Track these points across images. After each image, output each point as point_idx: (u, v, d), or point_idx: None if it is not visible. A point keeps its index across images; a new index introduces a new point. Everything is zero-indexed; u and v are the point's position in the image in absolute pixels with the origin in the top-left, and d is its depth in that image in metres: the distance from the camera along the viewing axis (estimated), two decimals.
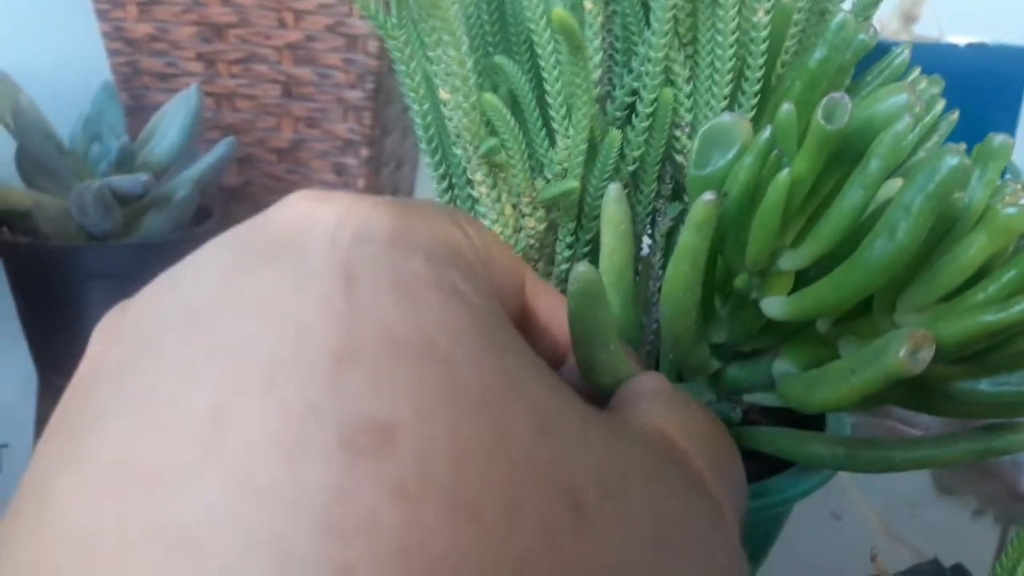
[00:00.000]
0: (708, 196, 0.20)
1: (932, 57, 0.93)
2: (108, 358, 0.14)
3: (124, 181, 0.52)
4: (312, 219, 0.15)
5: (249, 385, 0.12)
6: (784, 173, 0.20)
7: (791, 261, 0.22)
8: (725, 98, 0.26)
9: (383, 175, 0.78)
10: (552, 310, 0.21)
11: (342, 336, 0.12)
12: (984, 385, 0.21)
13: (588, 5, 0.24)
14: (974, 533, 0.52)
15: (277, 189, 0.76)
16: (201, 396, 0.12)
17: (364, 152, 0.74)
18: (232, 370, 0.12)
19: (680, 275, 0.22)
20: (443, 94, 0.24)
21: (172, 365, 0.13)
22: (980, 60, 0.94)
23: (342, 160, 0.74)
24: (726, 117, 0.22)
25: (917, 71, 0.27)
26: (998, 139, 0.21)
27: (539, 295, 0.21)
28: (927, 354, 0.18)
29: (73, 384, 0.15)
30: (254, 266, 0.14)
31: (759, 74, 0.27)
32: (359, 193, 0.17)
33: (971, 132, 0.88)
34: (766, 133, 0.20)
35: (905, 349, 0.18)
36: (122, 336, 0.14)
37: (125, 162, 0.54)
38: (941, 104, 0.27)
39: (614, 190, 0.24)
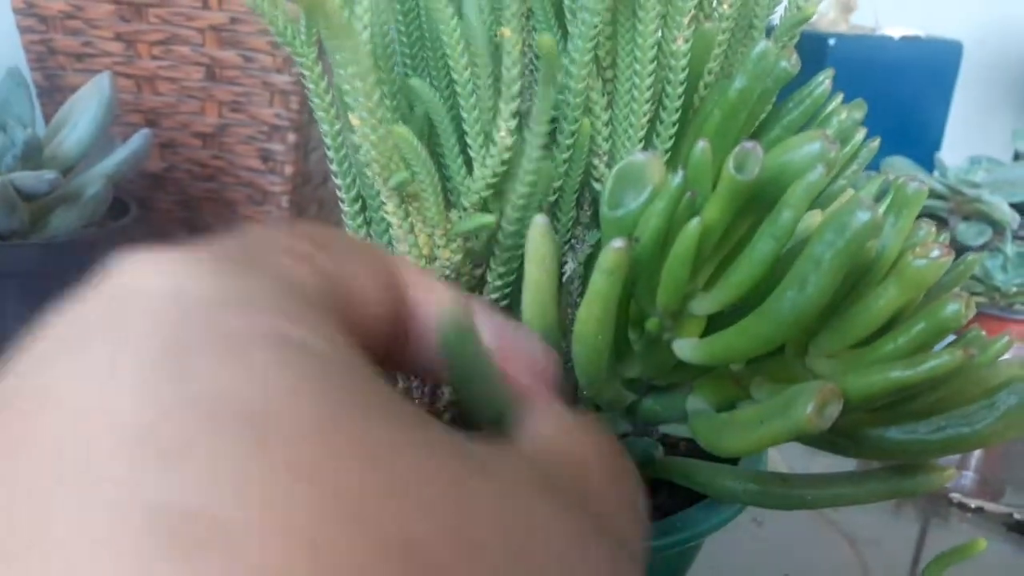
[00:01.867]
0: (618, 244, 0.19)
1: (867, 49, 0.93)
2: None
3: (28, 179, 0.49)
4: (132, 288, 0.14)
5: (72, 480, 0.11)
6: (694, 223, 0.19)
7: (702, 306, 0.21)
8: (643, 127, 0.25)
9: (311, 161, 0.76)
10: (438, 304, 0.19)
11: (158, 422, 0.12)
12: (893, 433, 0.21)
13: (506, 33, 0.23)
14: (893, 530, 0.52)
15: (201, 175, 0.74)
16: (26, 485, 0.11)
17: (291, 138, 0.72)
18: (54, 464, 0.11)
19: (591, 318, 0.21)
20: (353, 120, 0.23)
21: None
22: (914, 52, 0.95)
23: (268, 146, 0.72)
24: (639, 156, 0.21)
25: (839, 99, 0.26)
26: (912, 186, 0.20)
27: (423, 291, 0.19)
28: (835, 409, 0.18)
29: None
30: (77, 347, 0.13)
31: (678, 103, 0.26)
32: (192, 249, 0.15)
33: (904, 123, 0.89)
34: (677, 178, 0.19)
35: (813, 405, 0.18)
36: None
37: (32, 155, 0.52)
38: (862, 132, 0.27)
39: (541, 223, 0.23)
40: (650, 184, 0.20)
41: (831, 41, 0.89)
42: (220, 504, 0.11)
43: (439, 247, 0.26)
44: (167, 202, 0.75)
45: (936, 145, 0.96)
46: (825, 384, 0.18)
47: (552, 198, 0.26)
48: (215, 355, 0.13)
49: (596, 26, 0.24)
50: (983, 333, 0.23)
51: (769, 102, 0.26)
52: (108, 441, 0.12)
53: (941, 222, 0.79)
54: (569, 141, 0.25)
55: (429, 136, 0.26)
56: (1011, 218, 0.75)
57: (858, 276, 0.20)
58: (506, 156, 0.24)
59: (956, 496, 0.56)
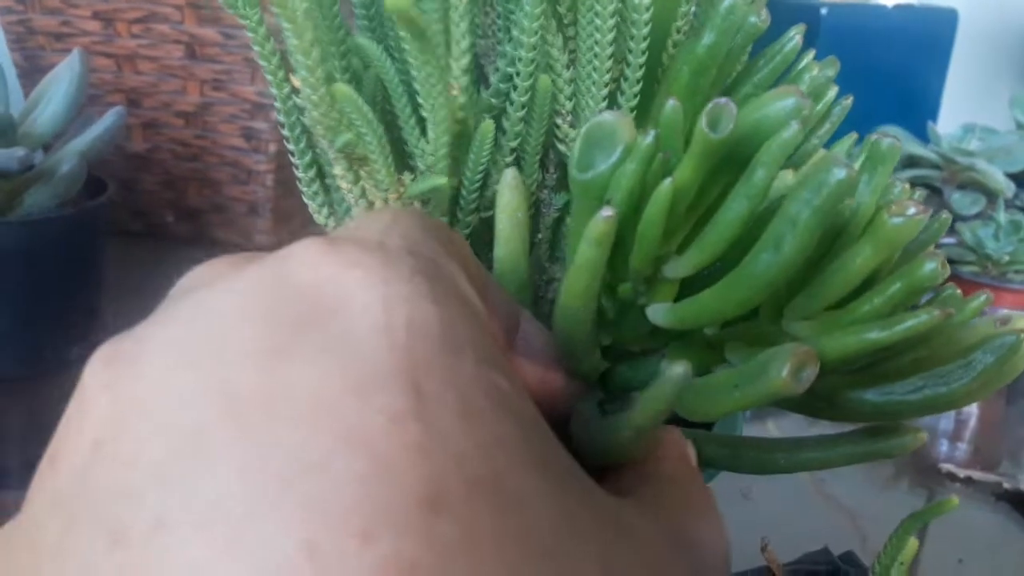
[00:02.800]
0: (607, 212, 0.19)
1: (860, 18, 0.92)
2: (133, 435, 0.12)
3: None
4: (345, 291, 0.13)
5: (341, 527, 0.11)
6: (666, 184, 0.18)
7: (675, 270, 0.20)
8: (606, 84, 0.25)
9: None
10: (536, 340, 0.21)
11: (426, 476, 0.12)
12: (871, 395, 0.20)
13: None
14: (880, 506, 0.52)
15: (185, 155, 0.73)
16: (285, 525, 0.11)
17: (275, 115, 0.71)
18: (318, 502, 0.11)
19: (578, 290, 0.20)
20: (295, 81, 0.22)
21: (232, 472, 0.12)
22: (908, 21, 0.94)
23: (251, 124, 0.71)
24: (608, 116, 0.21)
25: (810, 55, 0.25)
26: (886, 142, 0.20)
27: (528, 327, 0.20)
28: (811, 372, 0.18)
29: (77, 447, 0.13)
30: (295, 350, 0.13)
31: (641, 59, 0.25)
32: (365, 245, 0.14)
33: (900, 93, 0.88)
34: (648, 138, 0.19)
35: (788, 368, 0.17)
36: (142, 406, 0.13)
37: (5, 133, 0.51)
38: (834, 90, 0.26)
39: (511, 175, 0.22)
40: (620, 145, 0.20)
41: (823, 10, 0.87)
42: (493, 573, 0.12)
43: None
44: (151, 183, 0.74)
45: (933, 115, 0.95)
46: (800, 347, 0.17)
47: (508, 158, 0.25)
48: (460, 411, 0.13)
49: None
50: (958, 292, 0.22)
51: (739, 60, 0.25)
52: (378, 489, 0.12)
53: (935, 191, 0.78)
54: (523, 98, 0.24)
55: (384, 97, 0.25)
56: (1005, 186, 0.75)
57: (833, 236, 0.19)
58: (460, 115, 0.23)
59: (945, 466, 0.55)
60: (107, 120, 0.55)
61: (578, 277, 0.20)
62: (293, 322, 0.13)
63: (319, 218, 0.29)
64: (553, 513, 0.13)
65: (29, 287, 0.53)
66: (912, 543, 0.29)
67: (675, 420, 0.29)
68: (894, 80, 0.90)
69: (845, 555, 0.36)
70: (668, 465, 0.20)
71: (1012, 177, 0.77)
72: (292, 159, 0.27)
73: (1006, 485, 0.54)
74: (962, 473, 0.55)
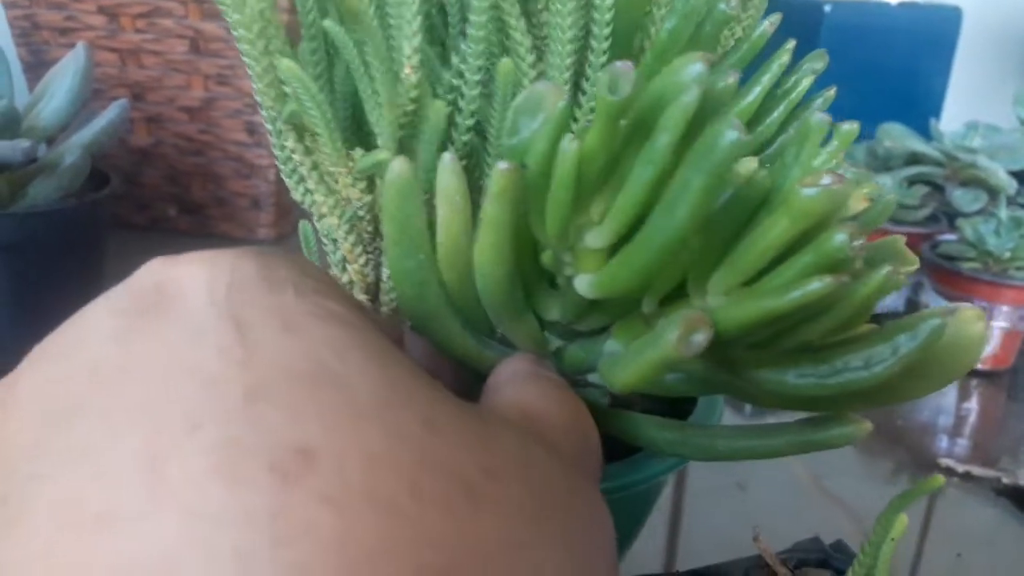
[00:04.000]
0: (503, 165, 0.19)
1: (863, 16, 0.92)
2: (10, 434, 0.15)
3: (3, 148, 0.49)
4: (181, 281, 0.16)
5: (175, 430, 0.14)
6: (571, 145, 0.18)
7: (597, 238, 0.21)
8: (567, 68, 0.25)
9: None
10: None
11: (247, 377, 0.14)
12: (790, 377, 0.20)
13: None
14: (879, 500, 0.52)
15: (189, 149, 0.74)
16: (132, 445, 0.13)
17: None
18: (155, 420, 0.14)
19: (486, 247, 0.21)
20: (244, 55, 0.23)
21: (95, 423, 0.14)
22: (912, 19, 0.93)
23: (254, 119, 0.72)
24: (539, 86, 0.21)
25: (790, 44, 0.25)
26: (816, 117, 0.20)
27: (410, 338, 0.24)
28: (702, 337, 0.18)
29: None
30: (145, 328, 0.16)
31: (605, 45, 0.25)
32: (198, 254, 0.18)
33: (903, 91, 0.87)
34: (561, 102, 0.19)
35: (677, 333, 0.18)
36: (20, 409, 0.15)
37: (9, 126, 0.52)
38: (809, 79, 0.26)
39: (448, 160, 0.22)
40: (543, 112, 0.20)
41: (827, 8, 0.87)
42: (313, 437, 0.14)
43: (348, 186, 0.25)
44: (155, 177, 0.75)
45: (936, 113, 0.94)
46: (692, 312, 0.18)
47: (465, 137, 0.26)
48: (281, 327, 0.15)
49: None
50: (888, 268, 0.22)
51: (712, 47, 0.26)
52: (206, 395, 0.14)
53: (937, 188, 0.77)
54: (476, 77, 0.25)
55: (345, 75, 0.26)
56: (1007, 184, 0.74)
57: (753, 210, 0.20)
58: (413, 94, 0.24)
59: (945, 461, 0.55)
60: (110, 113, 0.56)
61: (484, 233, 0.20)
62: (142, 311, 0.16)
63: (295, 194, 0.30)
64: (377, 384, 0.15)
65: (32, 278, 0.54)
66: (902, 519, 0.29)
67: (661, 401, 0.29)
68: (898, 77, 0.89)
69: (836, 544, 0.36)
70: (506, 369, 0.23)
71: (1015, 175, 0.76)
72: (270, 138, 0.28)
73: (1005, 480, 0.53)
74: (961, 468, 0.54)
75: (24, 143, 0.51)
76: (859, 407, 0.21)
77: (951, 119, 0.88)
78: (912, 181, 0.76)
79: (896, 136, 0.78)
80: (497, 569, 0.14)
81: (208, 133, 0.73)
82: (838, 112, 0.27)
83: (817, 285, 0.17)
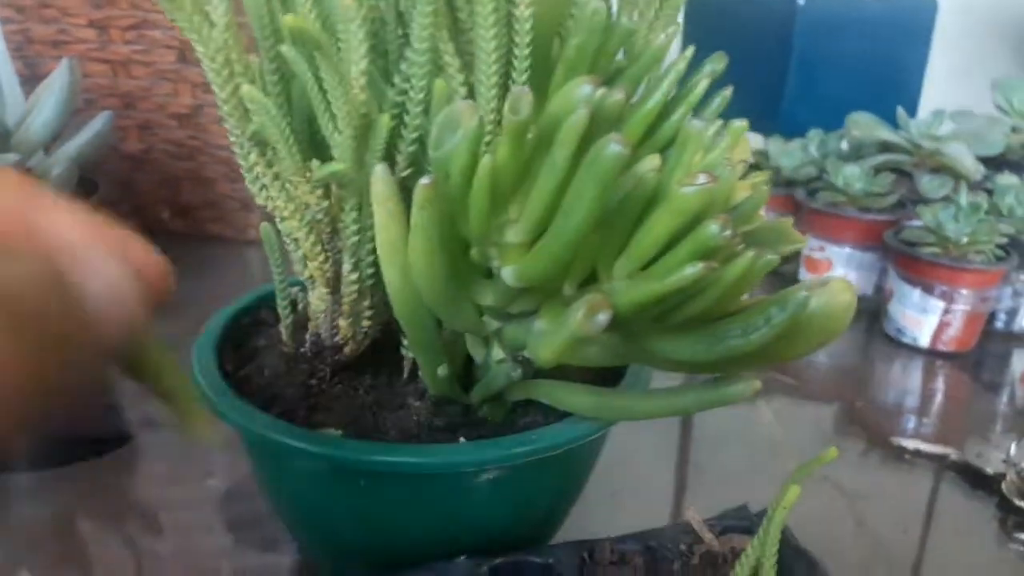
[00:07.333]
0: (424, 180, 0.22)
1: (838, 8, 0.94)
2: None
3: None
4: None
5: None
6: (485, 159, 0.21)
7: (515, 235, 0.23)
8: (494, 85, 0.28)
9: None
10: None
11: None
12: (684, 346, 0.23)
13: (347, 2, 0.25)
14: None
15: (179, 155, 0.77)
16: None
17: None
18: None
19: (415, 250, 0.24)
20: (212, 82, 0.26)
21: None
22: (887, 11, 0.95)
23: None
24: (458, 104, 0.24)
25: (689, 51, 0.28)
26: (691, 124, 0.23)
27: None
28: (603, 317, 0.21)
29: None
30: None
31: (527, 64, 0.28)
32: None
33: (879, 83, 0.89)
34: (474, 121, 0.22)
35: (582, 312, 0.20)
36: None
37: (1, 139, 0.55)
38: (704, 83, 0.28)
39: (380, 170, 0.25)
40: (461, 128, 0.23)
41: (800, 1, 0.89)
42: None
43: (307, 193, 0.28)
44: (147, 183, 0.78)
45: (914, 102, 0.97)
46: (595, 296, 0.20)
47: (411, 148, 0.28)
48: None
49: None
50: (752, 254, 0.25)
51: (612, 57, 0.28)
52: None
53: (906, 176, 0.80)
54: (419, 96, 0.27)
55: (301, 95, 0.29)
56: (973, 170, 0.76)
57: (645, 206, 0.22)
58: (363, 111, 0.26)
59: (897, 440, 0.57)
60: (96, 124, 0.59)
61: (413, 238, 0.23)
62: None
63: (259, 199, 0.33)
64: None
65: None
66: (794, 489, 0.31)
67: (592, 372, 0.32)
68: (873, 68, 0.91)
69: (761, 512, 0.38)
70: None
71: (987, 161, 0.79)
72: (235, 149, 0.30)
73: (953, 457, 0.56)
74: (911, 445, 0.57)
75: (14, 156, 0.54)
76: (747, 368, 0.24)
77: (933, 107, 0.89)
78: (880, 169, 0.78)
79: (863, 126, 0.80)
80: None
81: (197, 139, 0.76)
82: (815, 104, 0.29)
83: (691, 270, 0.20)
